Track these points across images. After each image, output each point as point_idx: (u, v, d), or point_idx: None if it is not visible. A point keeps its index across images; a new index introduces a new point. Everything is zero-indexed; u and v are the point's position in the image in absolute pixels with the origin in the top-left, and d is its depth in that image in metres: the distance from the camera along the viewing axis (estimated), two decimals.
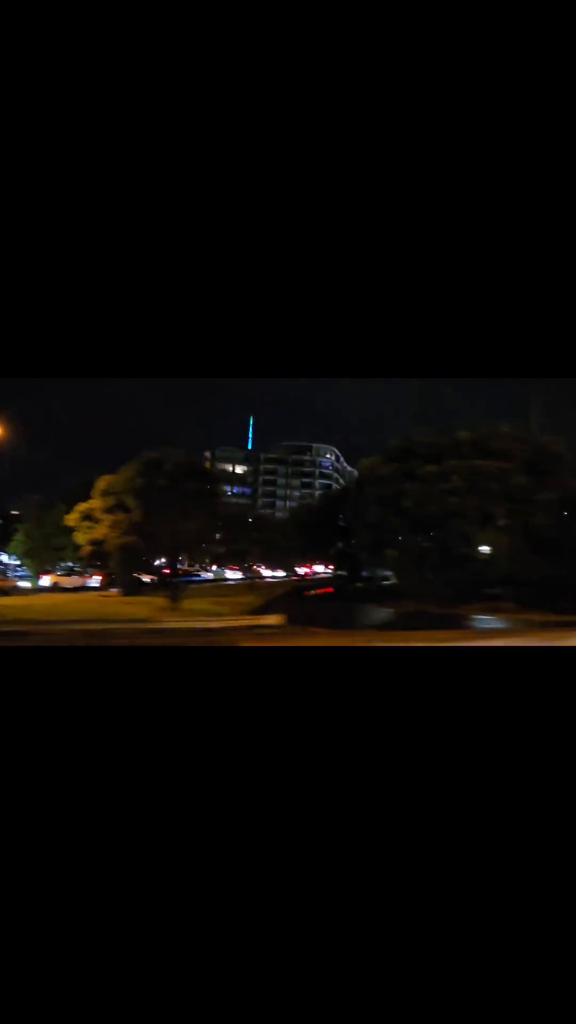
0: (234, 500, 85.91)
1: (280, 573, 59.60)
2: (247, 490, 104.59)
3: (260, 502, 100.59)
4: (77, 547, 39.68)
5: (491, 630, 27.70)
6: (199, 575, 51.78)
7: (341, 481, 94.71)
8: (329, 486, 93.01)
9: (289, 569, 61.07)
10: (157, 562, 43.28)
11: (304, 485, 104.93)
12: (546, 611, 31.16)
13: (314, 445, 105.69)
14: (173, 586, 35.18)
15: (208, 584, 48.25)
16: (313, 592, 52.47)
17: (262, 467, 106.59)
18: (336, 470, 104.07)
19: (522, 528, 36.83)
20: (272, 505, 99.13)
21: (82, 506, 38.96)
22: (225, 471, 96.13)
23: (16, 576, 44.24)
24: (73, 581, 43.17)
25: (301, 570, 63.69)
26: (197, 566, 53.17)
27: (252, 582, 50.23)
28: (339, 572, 58.98)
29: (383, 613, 35.84)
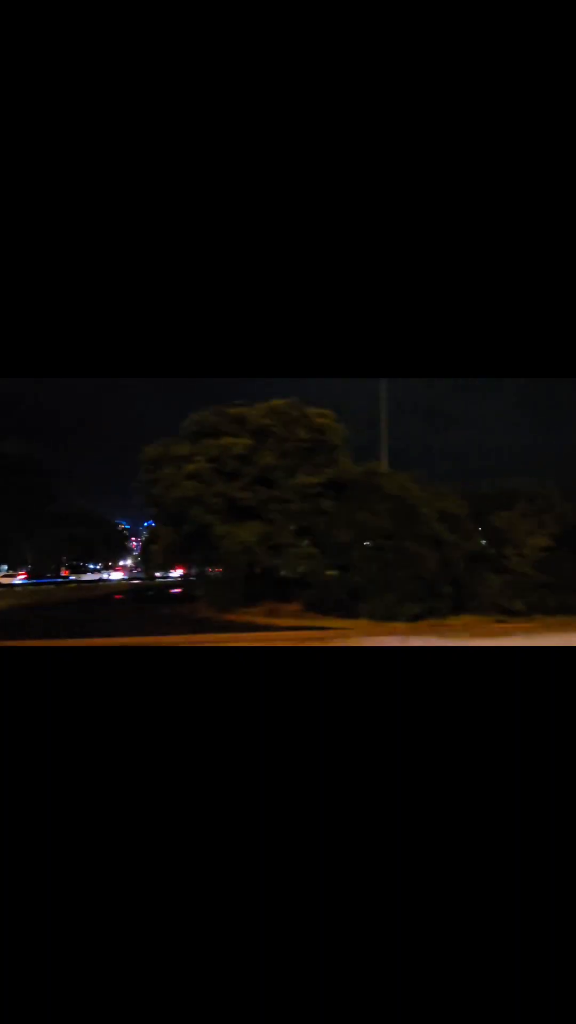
0: None
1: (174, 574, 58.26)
2: None
3: None
4: None
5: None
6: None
7: None
8: None
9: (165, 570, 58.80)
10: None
11: None
12: (339, 615, 28.04)
13: None
14: None
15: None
16: (121, 595, 50.19)
17: None
18: None
19: (286, 519, 31.68)
20: None
21: None
22: None
23: None
24: None
25: (176, 572, 61.14)
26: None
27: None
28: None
29: (157, 616, 31.83)
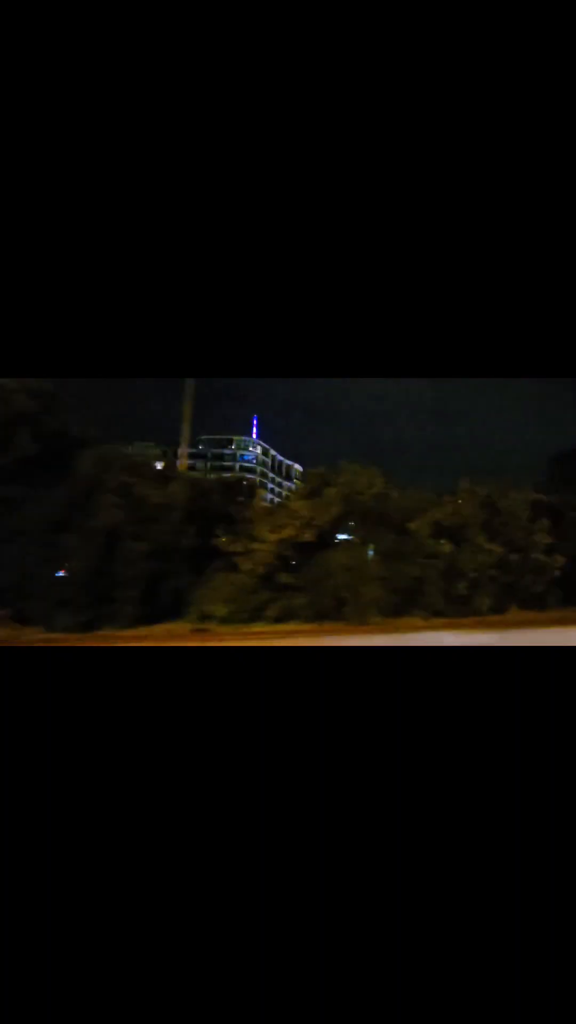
0: None
1: None
2: None
3: None
4: None
5: None
6: None
7: (270, 475, 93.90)
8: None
9: None
10: None
11: None
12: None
13: (236, 438, 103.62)
14: None
15: None
16: None
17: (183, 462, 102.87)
18: (262, 463, 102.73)
19: None
20: None
21: None
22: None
23: None
24: None
25: None
26: None
27: None
28: None
29: None
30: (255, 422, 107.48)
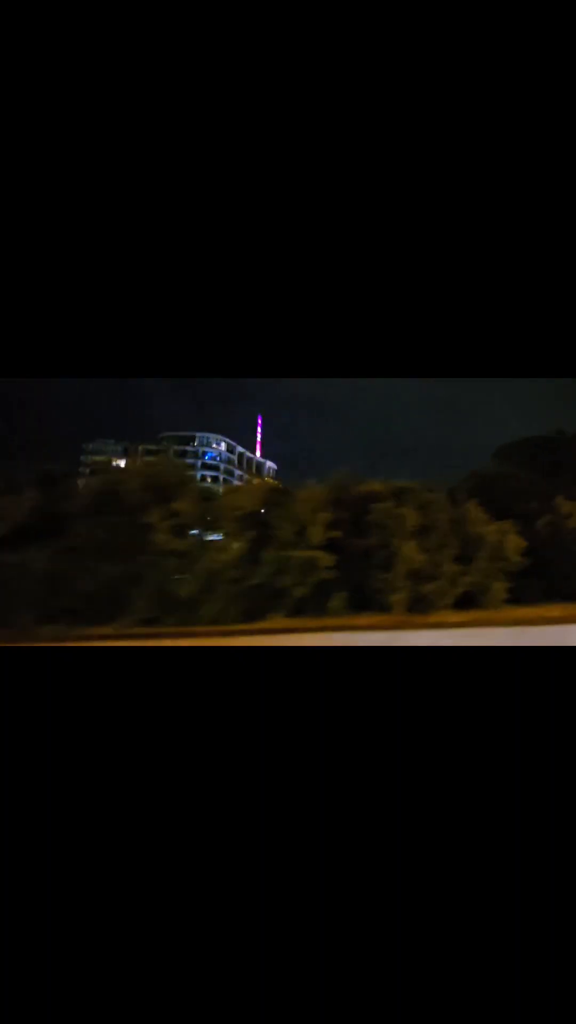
0: None
1: None
2: None
3: None
4: None
5: None
6: None
7: (237, 472, 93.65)
8: (216, 478, 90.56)
9: None
10: None
11: None
12: None
13: (198, 435, 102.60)
14: None
15: None
16: None
17: (142, 460, 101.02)
18: (226, 460, 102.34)
19: None
20: None
21: None
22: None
23: None
24: None
25: None
26: None
27: None
28: None
29: None
30: (259, 421, 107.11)
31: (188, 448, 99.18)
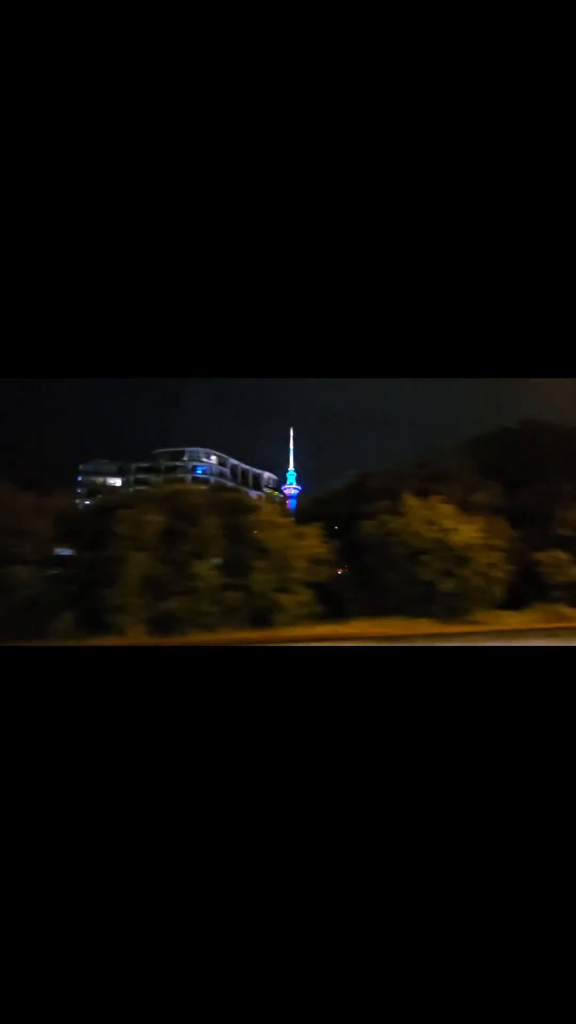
0: None
1: None
2: None
3: None
4: None
5: None
6: None
7: (230, 484, 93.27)
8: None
9: None
10: None
11: None
12: None
13: (188, 449, 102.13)
14: None
15: None
16: None
17: (134, 477, 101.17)
18: (217, 474, 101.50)
19: None
20: None
21: None
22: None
23: None
24: None
25: None
26: None
27: None
28: None
29: None
30: (291, 435, 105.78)
31: (178, 463, 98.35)
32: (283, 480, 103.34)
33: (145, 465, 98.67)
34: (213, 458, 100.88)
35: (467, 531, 25.05)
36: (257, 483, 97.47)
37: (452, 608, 23.98)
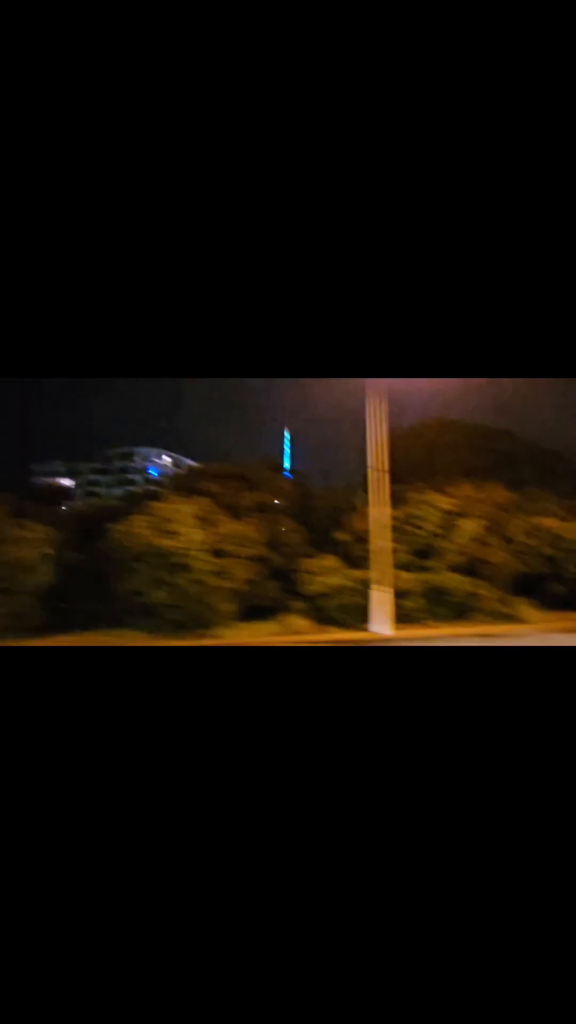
0: None
1: None
2: None
3: None
4: None
5: None
6: None
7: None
8: (156, 493, 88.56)
9: None
10: None
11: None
12: None
13: (138, 450, 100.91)
14: None
15: None
16: None
17: (86, 478, 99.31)
18: (172, 474, 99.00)
19: None
20: None
21: None
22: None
23: None
24: None
25: None
26: None
27: None
28: None
29: None
30: (287, 437, 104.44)
31: (129, 464, 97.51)
32: None
33: (97, 466, 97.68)
34: (166, 458, 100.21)
35: (196, 536, 22.14)
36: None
37: (169, 620, 21.03)
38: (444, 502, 26.11)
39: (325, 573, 23.75)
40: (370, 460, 23.41)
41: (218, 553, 22.93)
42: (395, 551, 23.22)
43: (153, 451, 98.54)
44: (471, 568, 24.88)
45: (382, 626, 21.31)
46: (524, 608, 24.37)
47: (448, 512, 25.85)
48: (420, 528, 25.33)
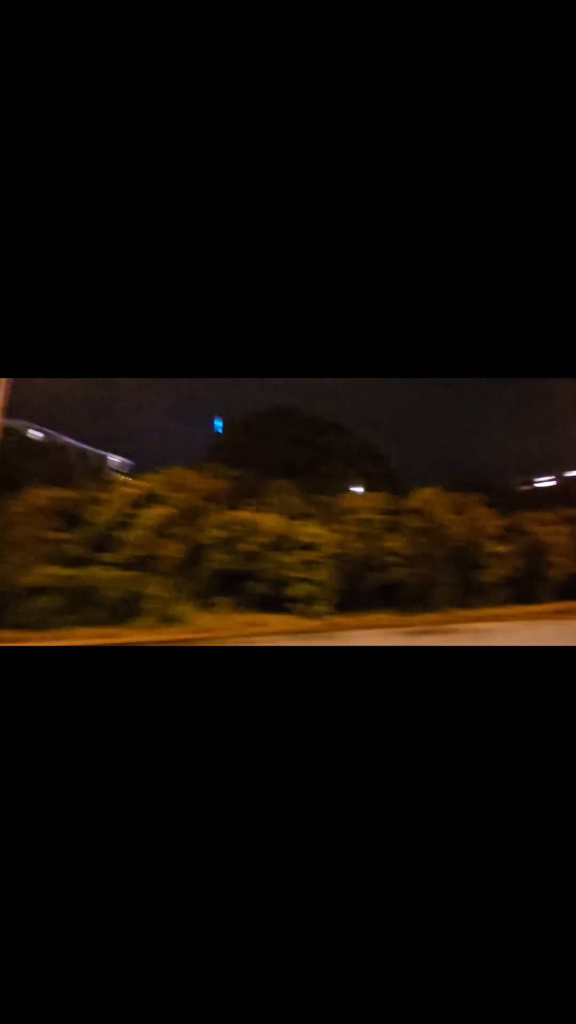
0: None
1: None
2: None
3: None
4: None
5: None
6: None
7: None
8: None
9: None
10: None
11: None
12: None
13: (7, 422, 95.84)
14: None
15: None
16: None
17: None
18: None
19: None
20: None
21: None
22: None
23: None
24: None
25: None
26: None
27: None
28: None
29: None
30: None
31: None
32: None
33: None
34: (40, 435, 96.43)
35: None
36: (100, 466, 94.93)
37: None
38: (135, 488, 22.32)
39: (117, 581, 20.30)
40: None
41: None
42: (56, 541, 20.00)
43: (25, 425, 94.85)
44: (142, 563, 20.95)
45: None
46: (190, 610, 20.81)
47: (137, 499, 21.95)
48: (98, 516, 21.44)
